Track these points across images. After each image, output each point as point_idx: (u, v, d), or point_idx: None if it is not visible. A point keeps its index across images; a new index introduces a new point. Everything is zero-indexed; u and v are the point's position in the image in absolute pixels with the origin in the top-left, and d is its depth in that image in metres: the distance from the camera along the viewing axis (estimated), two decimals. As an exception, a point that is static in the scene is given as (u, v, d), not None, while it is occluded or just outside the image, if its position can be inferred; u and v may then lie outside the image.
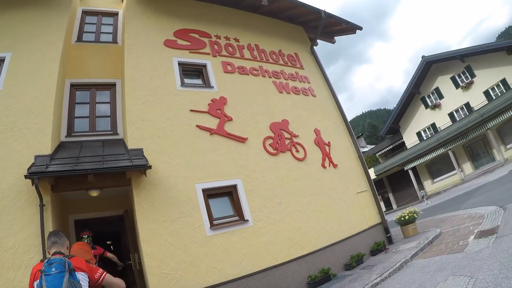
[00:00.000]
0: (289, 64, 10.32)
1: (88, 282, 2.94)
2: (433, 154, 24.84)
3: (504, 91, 21.23)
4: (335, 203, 8.62)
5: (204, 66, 8.44)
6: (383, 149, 33.61)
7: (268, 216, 7.12)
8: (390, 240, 9.57)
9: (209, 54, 8.68)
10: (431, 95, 27.57)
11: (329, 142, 9.53)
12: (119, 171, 5.97)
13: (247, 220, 6.80)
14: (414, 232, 9.36)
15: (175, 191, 6.36)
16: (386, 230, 9.71)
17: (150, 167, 6.06)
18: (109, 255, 6.58)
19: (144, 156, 6.35)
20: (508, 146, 21.69)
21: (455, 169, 24.19)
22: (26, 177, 5.57)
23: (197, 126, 7.30)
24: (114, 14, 9.40)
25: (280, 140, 8.30)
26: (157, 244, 5.96)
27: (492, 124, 20.77)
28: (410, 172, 26.95)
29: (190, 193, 6.46)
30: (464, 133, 22.30)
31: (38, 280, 2.72)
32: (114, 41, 8.77)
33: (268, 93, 9.09)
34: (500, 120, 20.40)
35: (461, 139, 22.72)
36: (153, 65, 7.71)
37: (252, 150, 7.73)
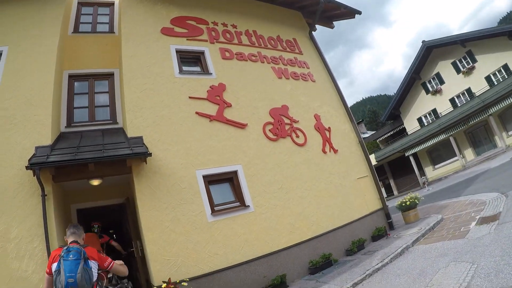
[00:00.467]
0: (288, 49, 10.24)
1: (97, 269, 3.40)
2: (434, 140, 24.76)
3: (506, 77, 21.05)
4: (336, 188, 8.63)
5: (202, 53, 8.39)
6: (384, 135, 33.50)
7: (269, 201, 7.14)
8: (391, 226, 9.58)
9: (206, 41, 8.62)
10: (432, 80, 27.36)
11: (329, 128, 9.51)
12: (120, 159, 5.97)
13: (248, 205, 6.82)
14: (415, 218, 9.36)
15: (175, 178, 6.38)
16: (387, 216, 9.73)
17: (150, 154, 6.06)
18: (114, 243, 6.69)
19: (144, 144, 6.35)
20: (510, 133, 21.57)
21: (456, 156, 24.14)
22: (27, 168, 5.59)
23: (196, 113, 7.28)
24: (110, 4, 9.30)
25: (280, 125, 8.27)
26: (159, 231, 6.00)
27: (493, 110, 20.63)
28: (411, 158, 26.91)
29: (191, 180, 6.47)
30: (465, 119, 22.18)
31: (56, 263, 3.19)
32: (111, 31, 8.70)
33: (267, 79, 9.04)
34: (502, 106, 20.25)
35: (463, 125, 22.60)
36: (151, 53, 7.67)
37: (252, 136, 7.72)
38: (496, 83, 21.85)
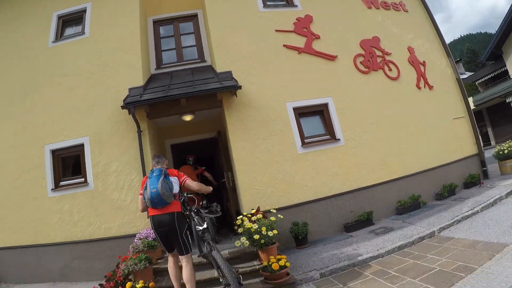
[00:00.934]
0: (377, -24, 9.20)
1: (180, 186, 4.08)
2: (543, 84, 21.22)
3: None
4: (430, 127, 8.00)
5: (286, -16, 7.96)
6: (483, 77, 29.47)
7: (359, 136, 6.92)
8: (485, 175, 8.85)
9: (290, -29, 8.11)
10: (543, 13, 22.84)
11: (424, 62, 8.64)
12: (210, 94, 6.17)
13: (339, 139, 6.69)
14: (512, 169, 8.44)
15: (266, 111, 6.45)
16: (482, 163, 8.93)
17: (239, 87, 6.15)
18: (207, 174, 7.18)
19: (233, 77, 6.45)
20: None
21: None
22: (122, 107, 6.10)
23: (284, 45, 7.11)
24: None
25: (372, 58, 7.72)
26: (250, 161, 6.23)
27: None
28: (513, 105, 23.63)
29: (281, 112, 6.50)
30: None
31: (145, 184, 3.94)
32: (192, -30, 8.61)
33: (356, 9, 8.35)
34: None
35: None
36: (233, -11, 7.49)
37: (342, 68, 7.36)
38: None
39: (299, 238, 6.03)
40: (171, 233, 3.91)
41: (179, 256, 4.05)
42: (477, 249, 4.23)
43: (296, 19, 7.45)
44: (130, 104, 6.00)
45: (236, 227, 5.26)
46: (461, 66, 38.60)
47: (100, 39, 7.11)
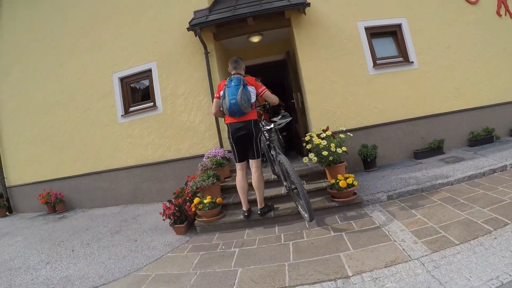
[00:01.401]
0: None
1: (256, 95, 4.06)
2: None
3: None
4: (510, 57, 7.36)
5: None
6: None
7: (434, 60, 6.50)
8: None
9: None
10: None
11: (504, -14, 7.87)
12: (278, 11, 5.95)
13: (412, 62, 6.33)
14: None
15: (336, 29, 6.18)
16: None
17: (308, 4, 5.88)
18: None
19: (301, -5, 6.19)
20: None
21: None
22: (188, 29, 6.05)
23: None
24: None
25: (449, -23, 7.13)
26: (319, 81, 6.06)
27: None
28: None
29: (352, 31, 6.19)
30: None
31: (222, 91, 3.94)
32: None
33: None
34: None
35: None
36: None
37: (417, -14, 6.85)
38: None
39: (367, 161, 5.88)
40: (247, 138, 3.96)
41: (250, 161, 4.10)
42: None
43: None
44: (196, 26, 5.96)
45: (304, 144, 5.19)
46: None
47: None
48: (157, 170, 6.71)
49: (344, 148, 4.59)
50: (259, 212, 4.13)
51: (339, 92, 6.08)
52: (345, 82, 6.09)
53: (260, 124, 4.25)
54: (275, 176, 4.93)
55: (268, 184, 4.71)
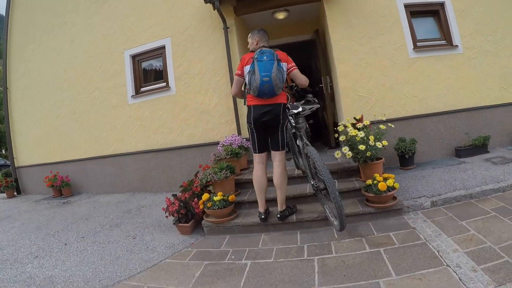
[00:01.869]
0: None
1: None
2: None
3: None
4: None
5: None
6: None
7: (480, 45, 5.59)
8: None
9: None
10: None
11: None
12: (307, -17, 5.22)
13: (456, 46, 5.45)
14: None
15: (372, 5, 5.35)
16: None
17: (343, -25, 5.11)
18: None
19: (333, -35, 5.39)
20: None
21: None
22: (206, 1, 5.35)
23: None
24: None
25: None
26: (353, 63, 5.30)
27: None
28: None
29: (391, 8, 5.35)
30: None
31: (249, 65, 3.19)
32: None
33: None
34: None
35: None
36: None
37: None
38: None
39: (405, 157, 5.09)
40: (272, 124, 3.29)
41: (272, 153, 3.41)
42: None
43: None
44: (215, -2, 5.28)
45: (336, 135, 4.47)
46: None
47: None
48: (167, 157, 6.16)
49: (385, 142, 3.86)
50: (278, 215, 3.43)
51: (375, 76, 5.30)
52: (381, 65, 5.31)
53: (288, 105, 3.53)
54: (299, 171, 4.24)
55: (290, 180, 3.97)
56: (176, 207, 3.69)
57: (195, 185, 4.07)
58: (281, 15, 5.91)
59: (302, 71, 3.46)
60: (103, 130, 6.76)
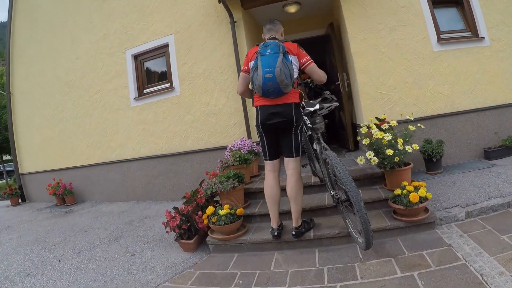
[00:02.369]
0: None
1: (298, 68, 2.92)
2: None
3: None
4: None
5: None
6: None
7: (508, 36, 5.05)
8: None
9: None
10: None
11: None
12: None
13: (483, 37, 4.94)
14: None
15: (391, -6, 4.90)
16: None
17: (360, -38, 4.66)
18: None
19: (348, -49, 4.94)
20: None
21: None
22: None
23: None
24: None
25: None
26: (372, 57, 4.84)
27: None
28: None
29: (411, -2, 4.90)
30: None
31: (253, 61, 2.80)
32: None
33: None
34: None
35: None
36: None
37: None
38: None
39: (432, 161, 4.59)
40: (283, 127, 2.85)
41: (285, 160, 2.98)
42: None
43: None
44: (221, -11, 4.90)
45: (359, 138, 4.03)
46: None
47: None
48: (172, 163, 5.80)
49: (415, 146, 3.40)
50: (293, 232, 2.97)
51: (396, 71, 4.83)
52: (404, 60, 4.84)
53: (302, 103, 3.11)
54: (317, 179, 3.79)
55: (306, 189, 3.54)
56: (177, 222, 3.29)
57: (199, 196, 3.64)
58: (292, 8, 5.50)
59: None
60: (105, 135, 6.45)
